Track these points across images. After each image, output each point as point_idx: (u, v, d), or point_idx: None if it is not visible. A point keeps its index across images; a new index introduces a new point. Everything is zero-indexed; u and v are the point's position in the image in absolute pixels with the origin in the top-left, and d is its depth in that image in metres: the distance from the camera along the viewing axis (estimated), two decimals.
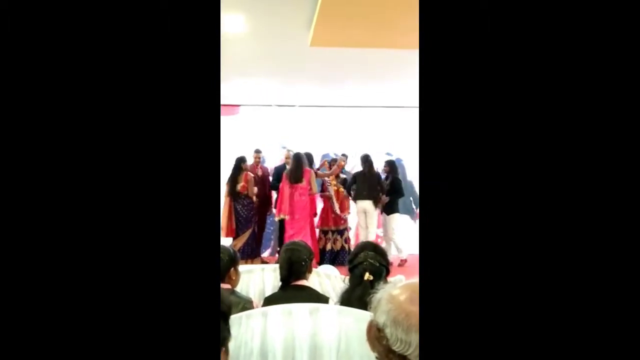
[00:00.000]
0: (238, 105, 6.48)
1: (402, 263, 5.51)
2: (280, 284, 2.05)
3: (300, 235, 4.95)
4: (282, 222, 5.25)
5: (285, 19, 3.31)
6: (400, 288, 0.96)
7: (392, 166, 5.58)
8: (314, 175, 5.30)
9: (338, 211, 5.39)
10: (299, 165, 5.17)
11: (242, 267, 2.26)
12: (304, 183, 5.14)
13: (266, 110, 6.60)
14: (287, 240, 4.90)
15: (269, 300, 1.92)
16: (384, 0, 2.73)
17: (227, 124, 6.14)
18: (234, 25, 3.38)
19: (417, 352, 0.87)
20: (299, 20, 3.28)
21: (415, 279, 1.01)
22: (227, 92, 5.75)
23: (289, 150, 5.72)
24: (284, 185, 5.16)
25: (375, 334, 0.94)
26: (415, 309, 0.89)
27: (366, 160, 5.38)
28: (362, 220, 5.35)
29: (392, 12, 2.88)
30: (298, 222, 5.08)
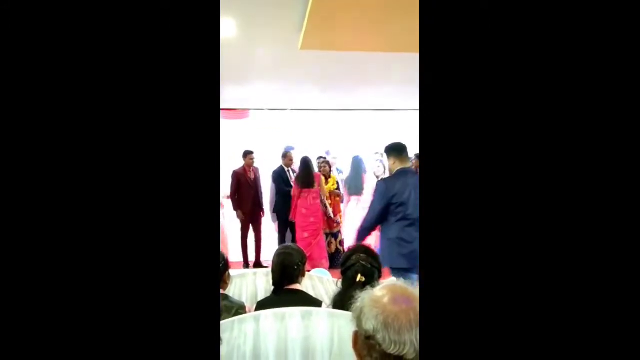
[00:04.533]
0: (243, 110, 6.47)
1: None
2: (272, 288, 2.05)
3: (317, 238, 5.04)
4: (292, 226, 5.28)
5: (275, 23, 3.32)
6: (380, 292, 0.95)
7: None
8: (323, 178, 5.36)
9: (332, 215, 5.39)
10: (308, 169, 5.20)
11: (235, 272, 2.26)
12: (316, 187, 5.18)
13: (259, 113, 6.59)
14: (300, 243, 4.95)
15: (262, 305, 1.92)
16: (373, 4, 2.74)
17: (232, 128, 6.15)
18: (223, 30, 3.38)
19: (412, 350, 0.87)
20: (289, 23, 3.29)
21: (392, 280, 1.01)
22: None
23: (289, 153, 5.71)
24: (294, 190, 5.21)
25: (365, 343, 0.92)
26: (400, 308, 0.90)
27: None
28: None
29: (382, 15, 2.89)
30: (314, 225, 5.13)
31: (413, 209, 2.81)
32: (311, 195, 5.16)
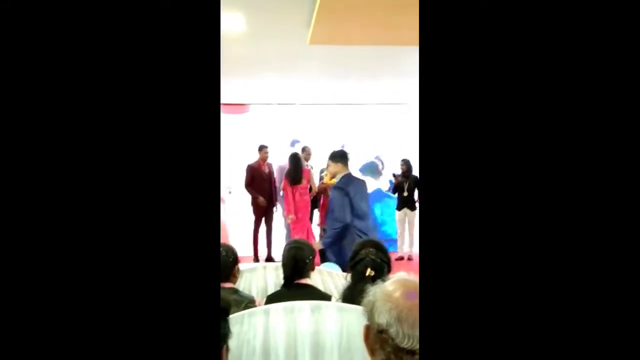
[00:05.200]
0: (243, 104, 6.46)
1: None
2: (282, 282, 2.06)
3: (303, 234, 5.03)
4: None
5: (284, 17, 3.31)
6: (392, 286, 0.94)
7: (409, 165, 5.67)
8: (312, 174, 5.33)
9: None
10: (297, 166, 5.19)
11: (245, 266, 2.27)
12: (304, 183, 5.18)
13: (268, 108, 6.59)
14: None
15: (272, 299, 1.93)
16: None
17: (231, 123, 6.13)
18: (233, 25, 3.38)
19: None
20: (298, 18, 3.28)
21: (402, 275, 1.01)
22: (228, 91, 5.75)
23: (308, 147, 5.68)
24: (285, 186, 5.19)
25: (377, 337, 0.91)
26: (413, 302, 0.89)
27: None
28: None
29: (390, 9, 2.87)
30: (300, 221, 5.15)
31: (364, 206, 3.35)
32: (298, 192, 5.16)
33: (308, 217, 5.24)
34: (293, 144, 6.26)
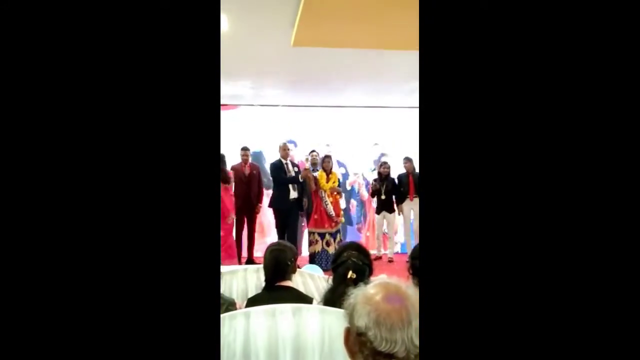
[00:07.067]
0: (225, 105, 6.42)
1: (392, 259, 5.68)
2: (263, 284, 2.05)
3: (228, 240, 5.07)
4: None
5: (267, 19, 3.31)
6: (373, 289, 0.95)
7: (387, 167, 5.74)
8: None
9: (332, 212, 5.28)
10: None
11: (225, 268, 2.26)
12: (230, 182, 5.18)
13: (252, 109, 6.56)
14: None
15: (253, 301, 1.92)
16: (365, 0, 2.74)
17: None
18: None
19: (402, 348, 0.87)
20: (281, 20, 3.28)
21: (383, 278, 1.01)
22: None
23: (284, 144, 5.53)
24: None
25: (357, 340, 0.92)
26: (392, 306, 0.90)
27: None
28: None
29: (374, 12, 2.89)
30: (225, 224, 5.11)
31: None
32: (228, 193, 5.12)
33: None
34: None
